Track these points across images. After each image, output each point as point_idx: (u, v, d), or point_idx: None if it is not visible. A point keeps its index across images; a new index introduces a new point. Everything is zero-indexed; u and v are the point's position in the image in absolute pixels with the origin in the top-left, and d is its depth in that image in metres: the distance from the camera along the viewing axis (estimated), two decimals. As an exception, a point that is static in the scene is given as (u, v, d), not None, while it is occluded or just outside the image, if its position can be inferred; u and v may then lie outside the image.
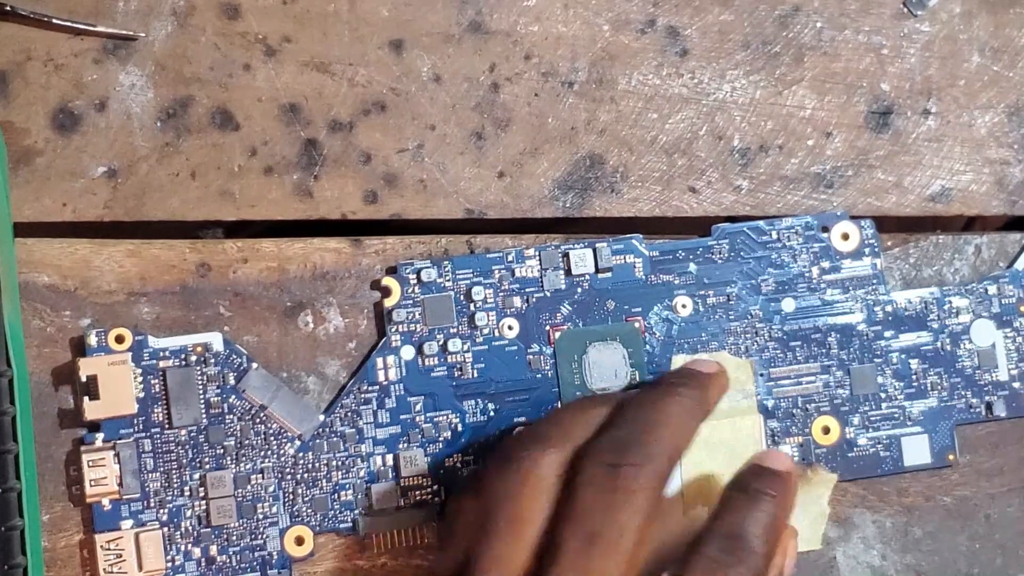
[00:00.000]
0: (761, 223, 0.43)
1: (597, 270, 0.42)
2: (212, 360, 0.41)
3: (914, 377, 0.43)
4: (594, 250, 0.42)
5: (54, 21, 0.41)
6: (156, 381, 0.40)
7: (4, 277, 0.39)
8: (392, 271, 0.42)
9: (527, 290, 0.42)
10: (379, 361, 0.41)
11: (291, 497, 0.41)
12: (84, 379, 0.40)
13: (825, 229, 0.43)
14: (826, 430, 0.43)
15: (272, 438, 0.41)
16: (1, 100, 0.41)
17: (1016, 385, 0.43)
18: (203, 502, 0.40)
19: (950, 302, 0.43)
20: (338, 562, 0.41)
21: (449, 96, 0.43)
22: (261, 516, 0.41)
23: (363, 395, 0.41)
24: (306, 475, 0.41)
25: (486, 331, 0.42)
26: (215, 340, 0.41)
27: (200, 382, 0.41)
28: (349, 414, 0.41)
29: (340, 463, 0.41)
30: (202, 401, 0.40)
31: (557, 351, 0.42)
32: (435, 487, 0.41)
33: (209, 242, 0.42)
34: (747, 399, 0.42)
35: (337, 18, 0.42)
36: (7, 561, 0.38)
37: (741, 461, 0.42)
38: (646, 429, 0.36)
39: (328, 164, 0.42)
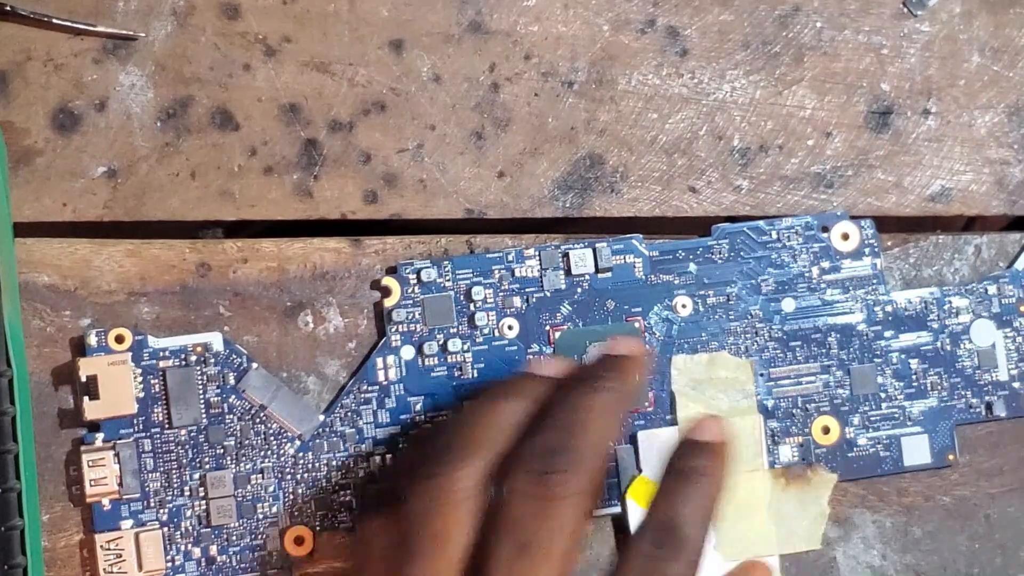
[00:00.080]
0: (761, 223, 0.43)
1: (597, 270, 0.42)
2: (212, 360, 0.41)
3: (914, 377, 0.43)
4: (594, 250, 0.42)
5: (54, 21, 0.41)
6: (156, 381, 0.40)
7: (4, 277, 0.39)
8: (392, 271, 0.42)
9: (527, 290, 0.42)
10: (379, 361, 0.41)
11: (291, 497, 0.41)
12: (84, 379, 0.40)
13: (825, 229, 0.43)
14: (826, 430, 0.43)
15: (272, 438, 0.41)
16: (1, 100, 0.41)
17: (1016, 385, 0.43)
18: (203, 502, 0.40)
19: (950, 302, 0.43)
20: (338, 562, 0.41)
21: (449, 96, 0.43)
22: (261, 516, 0.41)
23: (363, 395, 0.41)
24: (306, 475, 0.41)
25: (486, 331, 0.42)
26: (215, 340, 0.41)
27: (200, 382, 0.41)
28: (349, 414, 0.41)
29: (340, 463, 0.41)
30: (202, 401, 0.41)
31: (557, 351, 0.42)
32: (435, 487, 0.41)
33: (209, 242, 0.42)
34: (747, 399, 0.42)
35: (337, 18, 0.42)
36: (7, 561, 0.38)
37: (741, 461, 0.42)
38: (572, 432, 0.35)
39: (328, 164, 0.42)
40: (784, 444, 0.42)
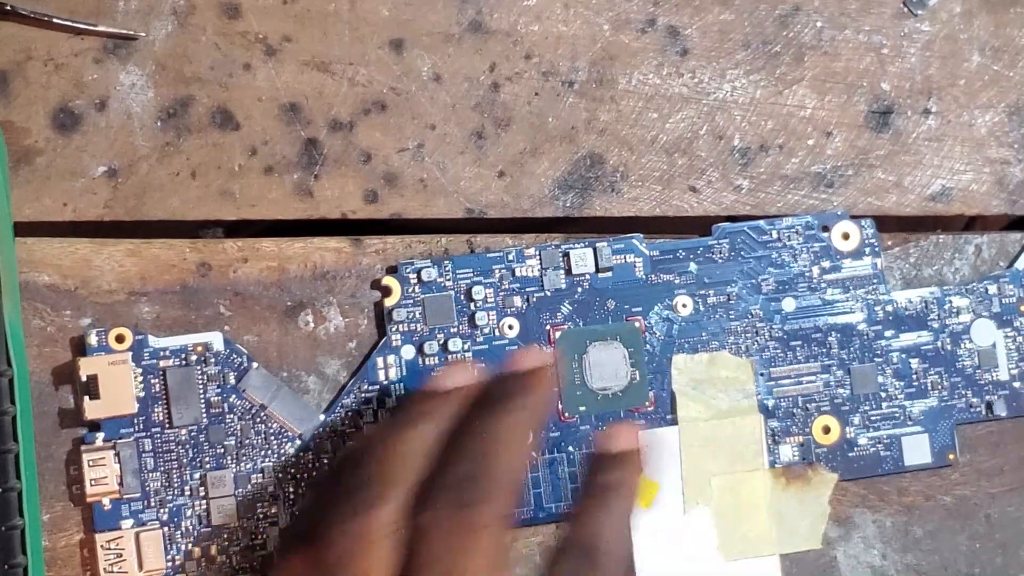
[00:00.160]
0: (761, 223, 0.43)
1: (597, 269, 0.42)
2: (212, 360, 0.41)
3: (914, 377, 0.43)
4: (594, 249, 0.42)
5: (54, 21, 0.41)
6: (156, 381, 0.40)
7: (4, 277, 0.39)
8: (392, 270, 0.42)
9: (527, 290, 0.42)
10: (379, 361, 0.41)
11: (291, 497, 0.41)
12: (84, 379, 0.40)
13: (825, 229, 0.43)
14: (826, 430, 0.43)
15: (272, 438, 0.41)
16: (1, 99, 0.41)
17: (1016, 385, 0.43)
18: (203, 502, 0.40)
19: (950, 302, 0.43)
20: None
21: (449, 96, 0.43)
22: (261, 516, 0.41)
23: (363, 395, 0.41)
24: (306, 475, 0.41)
25: (486, 331, 0.42)
26: (215, 340, 0.41)
27: (200, 382, 0.41)
28: (349, 414, 0.41)
29: (340, 463, 0.41)
30: (202, 401, 0.40)
31: (558, 351, 0.42)
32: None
33: (209, 242, 0.42)
34: (747, 399, 0.42)
35: (337, 18, 0.42)
36: (7, 560, 0.38)
37: (742, 461, 0.42)
38: (485, 460, 0.35)
39: (328, 164, 0.42)
40: (785, 444, 0.42)
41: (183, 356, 0.41)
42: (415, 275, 0.42)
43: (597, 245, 0.42)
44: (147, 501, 0.40)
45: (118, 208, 0.41)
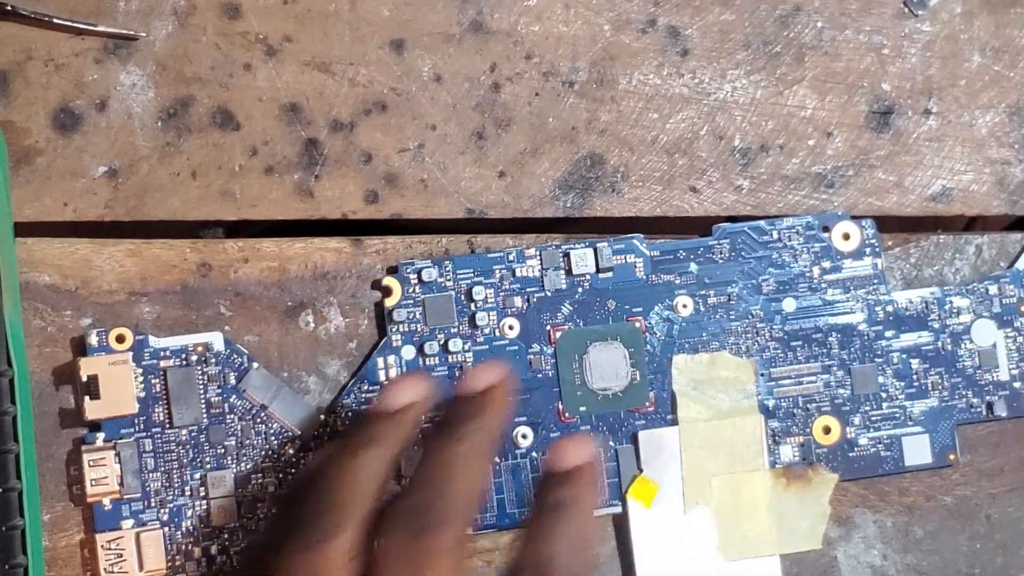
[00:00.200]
0: (762, 223, 0.43)
1: (598, 270, 0.42)
2: (213, 360, 0.41)
3: (915, 377, 0.43)
4: (595, 250, 0.42)
5: (55, 21, 0.41)
6: (157, 381, 0.40)
7: (5, 277, 0.39)
8: (393, 271, 0.42)
9: (528, 290, 0.42)
10: (380, 361, 0.41)
11: (292, 497, 0.41)
12: (85, 379, 0.40)
13: (826, 229, 0.43)
14: (827, 430, 0.43)
15: (273, 438, 0.41)
16: (2, 100, 0.41)
17: (1017, 385, 0.43)
18: (204, 502, 0.40)
19: (951, 302, 0.43)
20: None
21: (450, 96, 0.43)
22: (261, 516, 0.41)
23: (364, 395, 0.41)
24: (307, 475, 0.41)
25: (487, 331, 0.42)
26: (216, 340, 0.41)
27: (201, 382, 0.41)
28: (350, 414, 0.41)
29: (341, 463, 0.41)
30: (203, 401, 0.40)
31: (558, 351, 0.42)
32: (436, 487, 0.41)
33: (210, 242, 0.42)
34: (748, 399, 0.42)
35: (338, 18, 0.42)
36: (8, 561, 0.38)
37: (742, 461, 0.42)
38: (440, 487, 0.34)
39: (329, 164, 0.42)
40: (785, 444, 0.42)
41: (183, 356, 0.41)
42: (415, 275, 0.42)
43: (597, 245, 0.42)
44: (147, 501, 0.40)
45: (118, 208, 0.41)
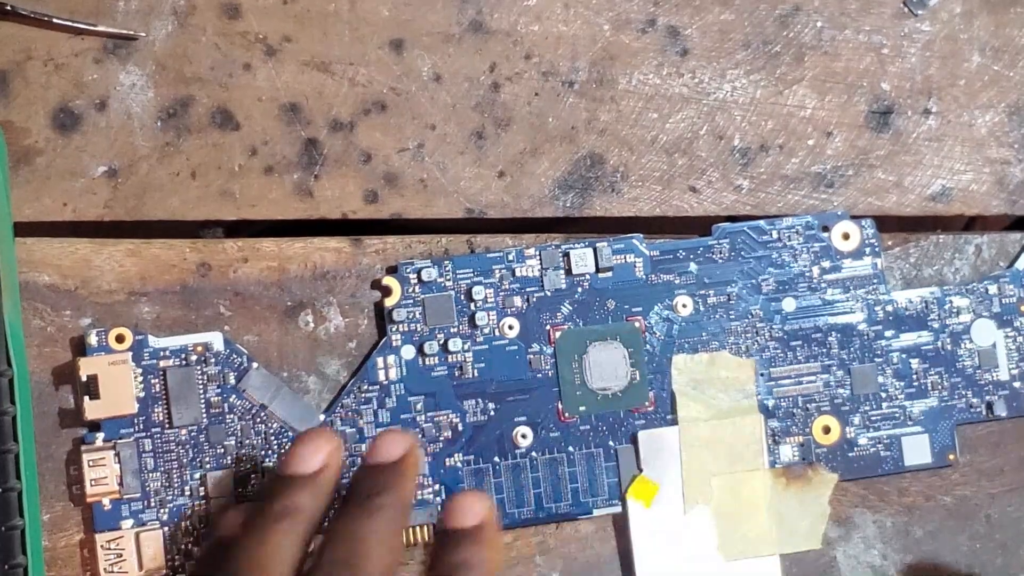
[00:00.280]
0: (762, 223, 0.43)
1: (597, 270, 0.42)
2: (212, 360, 0.41)
3: (914, 377, 0.43)
4: (594, 250, 0.42)
5: (54, 21, 0.41)
6: (156, 381, 0.40)
7: (4, 277, 0.39)
8: (392, 270, 0.42)
9: (527, 290, 0.42)
10: (379, 361, 0.41)
11: (291, 497, 0.41)
12: (84, 379, 0.40)
13: (826, 229, 0.43)
14: (826, 430, 0.43)
15: (272, 438, 0.41)
16: (1, 99, 0.41)
17: (1016, 385, 0.43)
18: (203, 502, 0.40)
19: (951, 302, 0.43)
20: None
21: (449, 96, 0.43)
22: (261, 516, 0.41)
23: (363, 395, 0.41)
24: (306, 475, 0.41)
25: (487, 331, 0.42)
26: (215, 340, 0.41)
27: (200, 382, 0.41)
28: (349, 414, 0.41)
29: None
30: (202, 401, 0.40)
31: (558, 351, 0.42)
32: (436, 486, 0.41)
33: (209, 242, 0.42)
34: (747, 399, 0.42)
35: (337, 18, 0.42)
36: (8, 561, 0.38)
37: (742, 461, 0.42)
38: (354, 566, 0.34)
39: (328, 164, 0.42)
40: (785, 444, 0.42)
41: (183, 356, 0.41)
42: (415, 275, 0.42)
43: (597, 245, 0.42)
44: (147, 501, 0.40)
45: (118, 208, 0.41)
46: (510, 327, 0.42)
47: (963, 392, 0.43)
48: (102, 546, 0.40)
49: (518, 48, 0.43)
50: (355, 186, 0.42)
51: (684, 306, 0.42)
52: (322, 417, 0.41)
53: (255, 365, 0.41)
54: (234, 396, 0.41)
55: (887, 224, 0.44)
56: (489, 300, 0.42)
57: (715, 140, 0.44)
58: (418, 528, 0.41)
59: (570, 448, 0.42)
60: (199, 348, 0.41)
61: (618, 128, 0.43)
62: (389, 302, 0.42)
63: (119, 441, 0.40)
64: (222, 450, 0.40)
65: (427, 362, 0.41)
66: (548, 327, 0.42)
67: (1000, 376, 0.43)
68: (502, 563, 0.36)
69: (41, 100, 0.41)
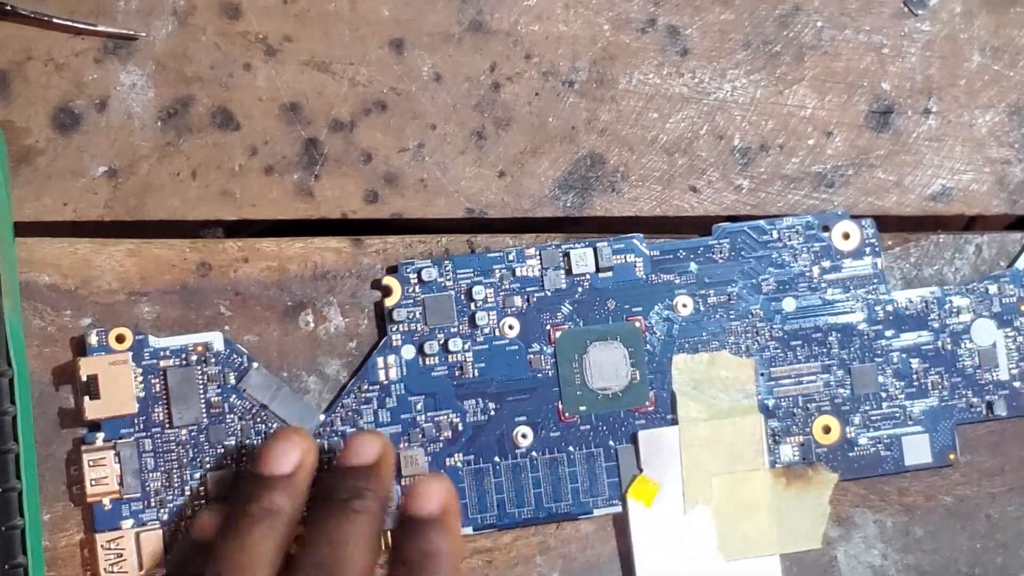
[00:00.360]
0: (762, 222, 0.43)
1: (598, 269, 0.42)
2: (213, 359, 0.41)
3: (915, 376, 0.43)
4: (595, 249, 0.42)
5: (55, 21, 0.41)
6: (157, 380, 0.40)
7: (5, 276, 0.39)
8: (393, 270, 0.42)
9: (528, 289, 0.42)
10: (380, 360, 0.41)
11: (292, 497, 0.41)
12: (85, 379, 0.40)
13: (826, 228, 0.43)
14: (827, 429, 0.43)
15: (273, 438, 0.41)
16: (2, 99, 0.41)
17: (1017, 384, 0.43)
18: (204, 502, 0.40)
19: (951, 301, 0.43)
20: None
21: (450, 95, 0.43)
22: (262, 516, 0.41)
23: (364, 395, 0.41)
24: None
25: (487, 330, 0.42)
26: (216, 339, 0.41)
27: (201, 381, 0.41)
28: (350, 414, 0.41)
29: (341, 463, 0.41)
30: (203, 400, 0.40)
31: (558, 350, 0.42)
32: (436, 487, 0.41)
33: (210, 242, 0.42)
34: (748, 398, 0.42)
35: (338, 18, 0.42)
36: (8, 560, 0.38)
37: (742, 461, 0.42)
38: (334, 569, 0.34)
39: (329, 163, 0.42)
40: (785, 443, 0.42)
41: (183, 356, 0.41)
42: (415, 275, 0.42)
43: (597, 245, 0.42)
44: (147, 501, 0.40)
45: (118, 208, 0.41)
46: (510, 327, 0.42)
47: (963, 392, 0.43)
48: (102, 546, 0.40)
49: (518, 48, 0.43)
50: (355, 186, 0.42)
51: (684, 306, 0.42)
52: (322, 417, 0.41)
53: (255, 365, 0.41)
54: (234, 396, 0.41)
55: (887, 224, 0.44)
56: (489, 300, 0.42)
57: (715, 140, 0.44)
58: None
59: (570, 448, 0.42)
60: (199, 348, 0.41)
61: (618, 128, 0.43)
62: (389, 302, 0.42)
63: (119, 441, 0.40)
64: (222, 450, 0.40)
65: (427, 362, 0.41)
66: (548, 327, 0.42)
67: (1000, 376, 0.43)
68: (463, 549, 0.35)
69: (41, 100, 0.41)
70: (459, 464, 0.41)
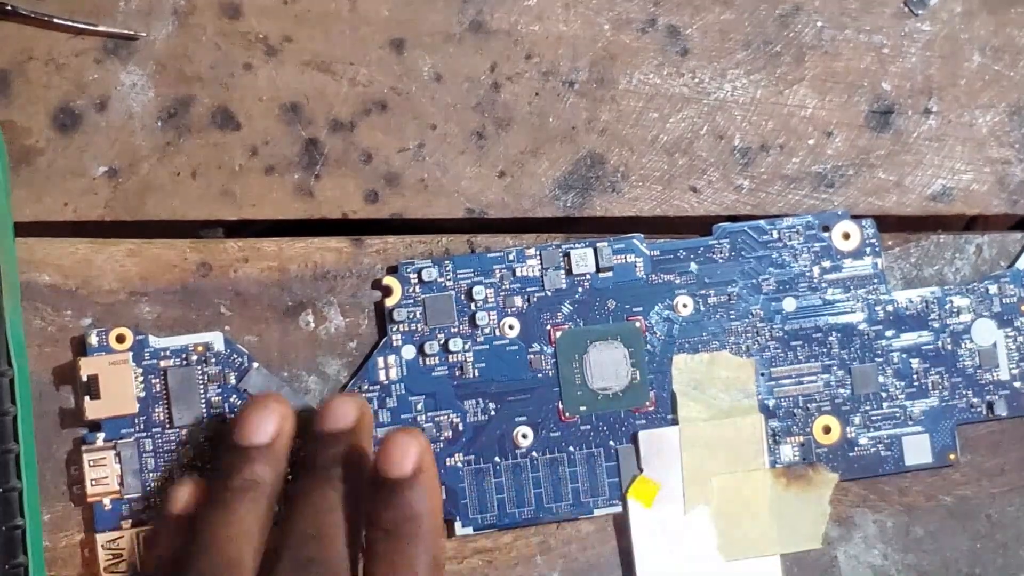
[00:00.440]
0: (762, 222, 0.43)
1: (598, 269, 0.42)
2: (213, 359, 0.41)
3: (915, 376, 0.43)
4: (595, 249, 0.42)
5: (55, 21, 0.41)
6: (157, 381, 0.40)
7: (5, 276, 0.39)
8: (393, 270, 0.42)
9: (528, 289, 0.42)
10: (380, 360, 0.41)
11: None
12: (85, 379, 0.40)
13: (826, 228, 0.43)
14: (827, 430, 0.43)
15: (273, 438, 0.41)
16: (2, 100, 0.41)
17: (1017, 384, 0.43)
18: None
19: (951, 301, 0.43)
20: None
21: (450, 95, 0.43)
22: (262, 516, 0.41)
23: (364, 395, 0.41)
24: (307, 475, 0.41)
25: (487, 330, 0.42)
26: (216, 339, 0.41)
27: (201, 382, 0.41)
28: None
29: (341, 463, 0.41)
30: (203, 401, 0.41)
31: (558, 351, 0.42)
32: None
33: (210, 242, 0.42)
34: (748, 398, 0.42)
35: (338, 17, 0.42)
36: (9, 561, 0.38)
37: (742, 461, 0.42)
38: (322, 541, 0.34)
39: (329, 164, 0.42)
40: (785, 444, 0.42)
41: (184, 356, 0.41)
42: (416, 275, 0.42)
43: (598, 245, 0.42)
44: (148, 501, 0.40)
45: (119, 208, 0.41)
46: (510, 327, 0.42)
47: (964, 392, 0.43)
48: (102, 546, 0.40)
49: (518, 48, 0.43)
50: (355, 186, 0.42)
51: (684, 306, 0.42)
52: (322, 417, 0.41)
53: (256, 365, 0.41)
54: (235, 396, 0.41)
55: (887, 224, 0.44)
56: (489, 300, 0.42)
57: (715, 140, 0.44)
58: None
59: (571, 448, 0.42)
60: (200, 348, 0.41)
61: (618, 128, 0.43)
62: (389, 302, 0.42)
63: (120, 441, 0.40)
64: (223, 450, 0.40)
65: (427, 362, 0.41)
66: (549, 327, 0.42)
67: (1001, 376, 0.43)
68: (442, 507, 0.35)
69: (42, 100, 0.41)
70: (459, 464, 0.41)
